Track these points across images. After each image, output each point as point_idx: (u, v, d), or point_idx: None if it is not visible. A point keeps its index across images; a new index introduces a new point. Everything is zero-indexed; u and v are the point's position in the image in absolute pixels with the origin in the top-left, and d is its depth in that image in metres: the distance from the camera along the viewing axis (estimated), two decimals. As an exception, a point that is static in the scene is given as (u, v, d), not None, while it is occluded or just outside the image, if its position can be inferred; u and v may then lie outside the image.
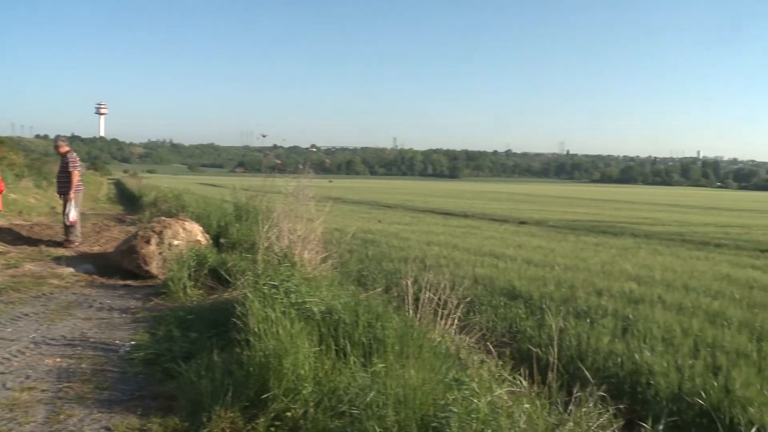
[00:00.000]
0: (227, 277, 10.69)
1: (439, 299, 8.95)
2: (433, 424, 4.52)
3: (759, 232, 34.58)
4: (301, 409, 5.44)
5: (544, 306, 11.62)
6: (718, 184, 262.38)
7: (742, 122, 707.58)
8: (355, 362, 5.96)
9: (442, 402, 4.77)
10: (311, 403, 5.45)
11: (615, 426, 6.23)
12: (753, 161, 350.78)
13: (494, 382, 5.62)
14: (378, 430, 4.51)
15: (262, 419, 5.40)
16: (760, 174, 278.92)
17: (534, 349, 9.07)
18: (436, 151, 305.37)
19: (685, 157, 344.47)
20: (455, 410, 4.51)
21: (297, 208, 11.92)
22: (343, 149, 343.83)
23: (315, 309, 7.14)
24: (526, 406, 4.72)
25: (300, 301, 7.48)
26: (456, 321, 9.26)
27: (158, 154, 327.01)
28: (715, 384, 7.80)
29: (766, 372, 8.37)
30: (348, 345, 6.33)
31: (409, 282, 9.08)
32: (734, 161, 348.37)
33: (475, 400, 4.64)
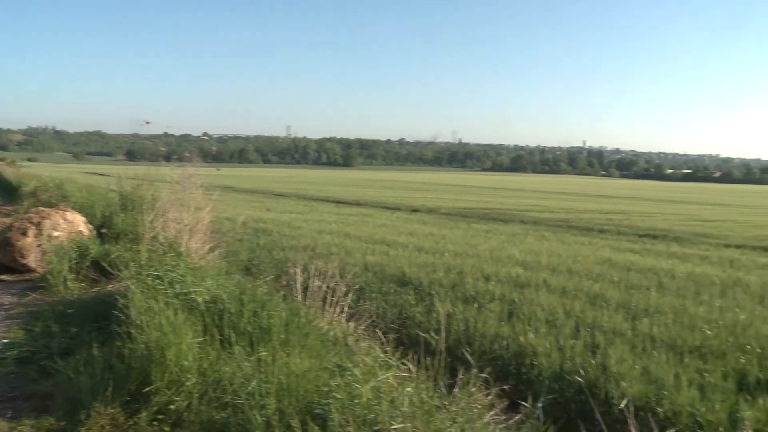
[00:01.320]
0: (110, 269, 10.33)
1: (328, 287, 8.95)
2: (316, 411, 4.51)
3: (638, 218, 36.30)
4: (184, 402, 5.33)
5: (433, 292, 11.84)
6: (602, 172, 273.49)
7: (624, 114, 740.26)
8: (240, 351, 5.87)
9: (326, 389, 4.76)
10: (195, 395, 5.35)
11: (499, 407, 6.42)
12: (633, 151, 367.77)
13: (380, 367, 5.65)
14: (260, 419, 4.46)
15: (144, 413, 5.26)
16: (639, 163, 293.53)
17: (422, 335, 9.23)
18: (329, 139, 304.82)
19: (572, 147, 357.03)
20: (338, 396, 4.51)
21: (184, 197, 11.65)
22: (236, 137, 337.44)
23: (199, 299, 7.01)
24: (408, 389, 4.77)
25: (185, 291, 7.31)
26: (345, 308, 9.28)
27: (39, 141, 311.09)
28: (593, 362, 8.13)
29: (639, 348, 8.80)
30: (233, 334, 6.23)
31: (298, 270, 9.04)
32: (617, 151, 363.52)
33: (359, 386, 4.66)
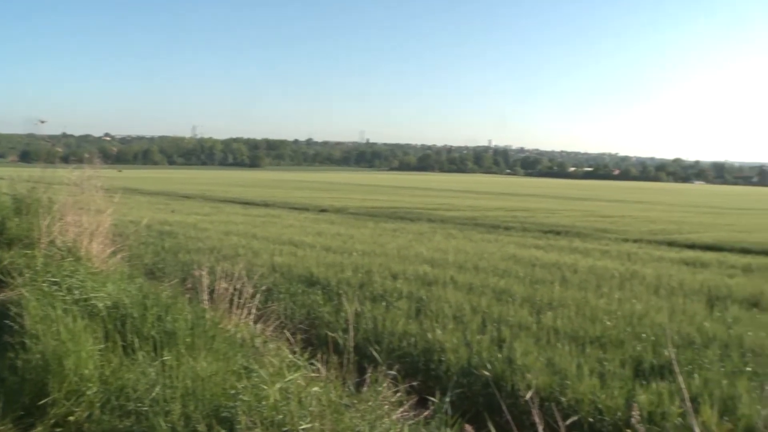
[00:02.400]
0: (2, 277, 9.88)
1: (235, 289, 8.83)
2: (223, 414, 4.44)
3: (542, 215, 37.33)
4: (85, 412, 5.14)
5: (341, 291, 11.86)
6: (508, 171, 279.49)
7: (527, 113, 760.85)
8: (144, 357, 5.72)
9: (233, 391, 4.70)
10: (97, 404, 5.17)
11: (408, 403, 6.48)
12: (538, 150, 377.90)
13: (287, 368, 5.62)
14: (164, 425, 4.36)
15: (39, 428, 5.04)
16: (543, 162, 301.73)
17: (331, 334, 9.22)
18: (236, 140, 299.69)
19: (478, 146, 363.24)
20: (245, 398, 4.47)
21: (83, 200, 11.27)
22: (140, 138, 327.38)
23: (100, 305, 6.80)
24: (315, 389, 4.76)
25: (84, 297, 7.08)
26: (253, 310, 9.17)
27: None
28: (500, 356, 8.33)
29: (543, 341, 9.05)
30: (136, 340, 6.06)
31: (204, 272, 8.87)
32: (522, 150, 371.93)
33: (266, 388, 4.62)
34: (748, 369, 7.78)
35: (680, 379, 4.34)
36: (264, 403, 4.44)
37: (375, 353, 7.00)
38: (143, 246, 16.85)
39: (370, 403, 4.96)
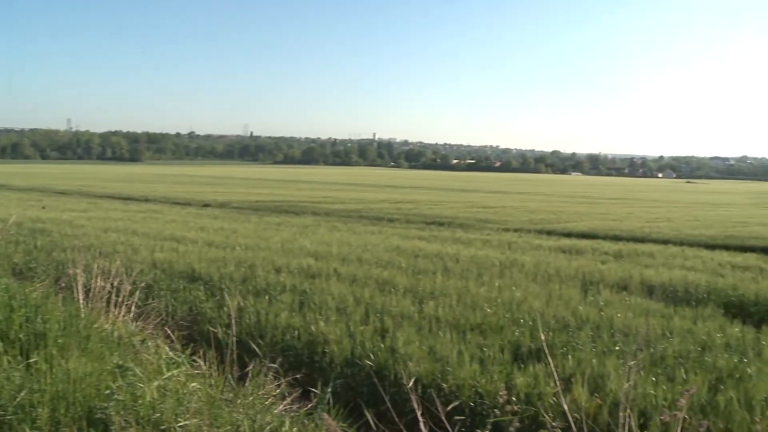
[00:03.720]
0: None
1: (113, 286, 8.56)
2: (97, 416, 4.29)
3: (426, 206, 38.00)
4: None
5: (224, 286, 11.67)
6: (392, 163, 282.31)
7: (411, 107, 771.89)
8: (10, 362, 5.44)
9: (108, 392, 4.54)
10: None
11: (292, 396, 6.46)
12: (421, 143, 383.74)
13: (167, 365, 5.49)
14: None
15: None
16: (427, 154, 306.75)
17: (213, 330, 9.09)
18: (115, 133, 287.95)
19: (363, 139, 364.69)
20: (120, 398, 4.33)
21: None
22: (9, 131, 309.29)
23: (-39, 308, 6.41)
24: (194, 385, 4.68)
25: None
26: (133, 308, 8.93)
27: None
28: (383, 345, 8.41)
29: (425, 330, 9.21)
30: (1, 344, 5.76)
31: (79, 271, 8.57)
32: (406, 143, 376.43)
33: (143, 386, 4.49)
34: (617, 348, 8.19)
35: (550, 360, 4.51)
36: (140, 401, 4.31)
37: (255, 347, 6.95)
38: (12, 245, 16.06)
39: (251, 397, 4.91)
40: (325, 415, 3.31)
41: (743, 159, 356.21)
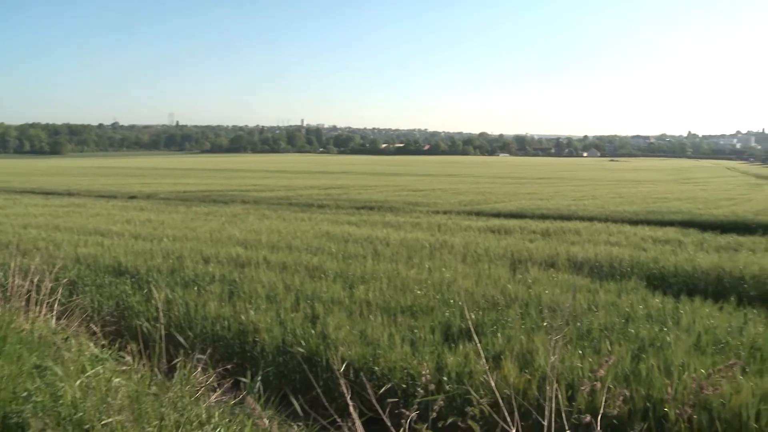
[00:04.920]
0: None
1: (32, 284, 8.29)
2: (12, 420, 4.13)
3: (355, 191, 37.97)
4: None
5: (151, 279, 11.44)
6: (321, 149, 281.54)
7: (339, 93, 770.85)
8: None
9: (25, 394, 4.39)
10: None
11: (224, 387, 6.38)
12: (350, 128, 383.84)
13: (90, 363, 5.35)
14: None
15: None
16: (356, 139, 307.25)
17: (141, 324, 8.91)
18: (33, 125, 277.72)
19: (291, 125, 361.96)
20: (38, 399, 4.18)
21: None
22: None
23: None
24: (118, 380, 4.56)
25: None
26: (56, 305, 8.66)
27: None
28: (314, 332, 8.38)
29: (356, 314, 9.22)
30: None
31: (-5, 269, 8.26)
32: (334, 128, 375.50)
33: (63, 385, 4.35)
34: (545, 324, 8.34)
35: (477, 340, 4.55)
36: (61, 402, 4.18)
37: (181, 339, 6.84)
38: None
39: (177, 390, 4.81)
40: (250, 399, 3.26)
41: (662, 137, 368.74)
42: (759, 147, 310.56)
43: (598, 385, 3.75)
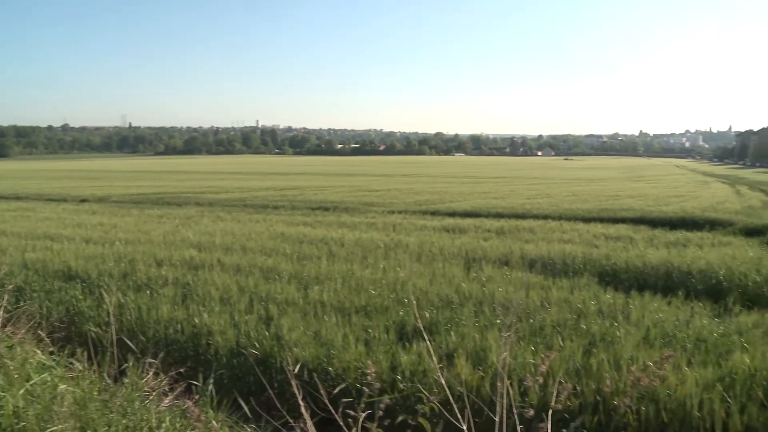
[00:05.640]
0: None
1: (-25, 291, 8.10)
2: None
3: (311, 192, 37.87)
4: None
5: (102, 284, 11.25)
6: (277, 150, 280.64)
7: (294, 93, 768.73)
8: None
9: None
10: None
11: (177, 391, 6.30)
12: (305, 128, 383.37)
13: (36, 370, 5.23)
14: None
15: None
16: (311, 140, 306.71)
17: (92, 329, 8.76)
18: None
19: (246, 127, 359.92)
20: (-25, 411, 4.07)
21: None
22: None
23: None
24: (63, 387, 4.47)
25: None
26: (1, 312, 8.47)
27: None
28: (268, 333, 8.31)
29: (311, 315, 9.18)
30: None
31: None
32: (289, 129, 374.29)
33: (4, 394, 4.25)
34: (498, 321, 8.41)
35: (427, 338, 4.57)
36: (2, 412, 4.07)
37: (130, 344, 6.74)
38: None
39: (126, 396, 4.74)
40: (190, 404, 3.23)
41: (615, 136, 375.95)
42: (707, 146, 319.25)
43: (541, 379, 3.80)
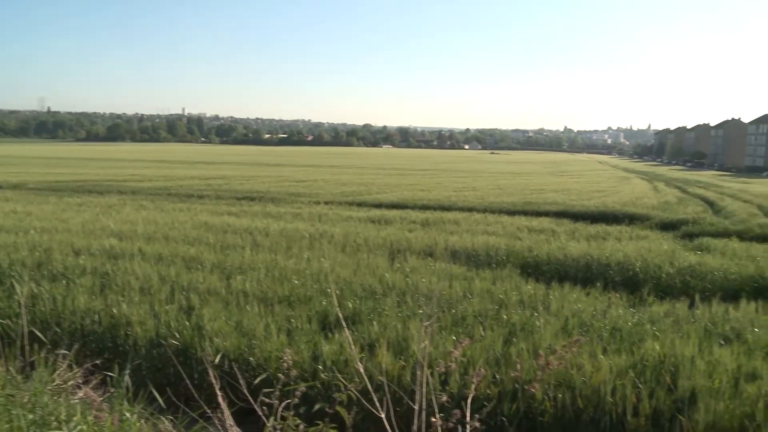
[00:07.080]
0: None
1: None
2: None
3: (237, 182, 37.44)
4: None
5: (14, 273, 10.83)
6: (203, 139, 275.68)
7: (221, 81, 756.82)
8: None
9: None
10: None
11: (92, 383, 6.11)
12: (232, 117, 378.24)
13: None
14: None
15: None
16: (239, 129, 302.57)
17: (1, 321, 8.43)
18: None
19: (171, 114, 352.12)
20: None
21: None
22: None
23: None
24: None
25: None
26: None
27: None
28: (188, 323, 8.17)
29: (233, 305, 9.07)
30: None
31: None
32: (216, 117, 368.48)
33: None
34: (420, 311, 8.47)
35: (346, 329, 4.56)
36: None
37: (40, 335, 6.51)
38: None
39: (35, 389, 4.57)
40: (90, 392, 3.13)
41: (540, 131, 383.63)
42: (627, 143, 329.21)
43: (453, 365, 3.84)
